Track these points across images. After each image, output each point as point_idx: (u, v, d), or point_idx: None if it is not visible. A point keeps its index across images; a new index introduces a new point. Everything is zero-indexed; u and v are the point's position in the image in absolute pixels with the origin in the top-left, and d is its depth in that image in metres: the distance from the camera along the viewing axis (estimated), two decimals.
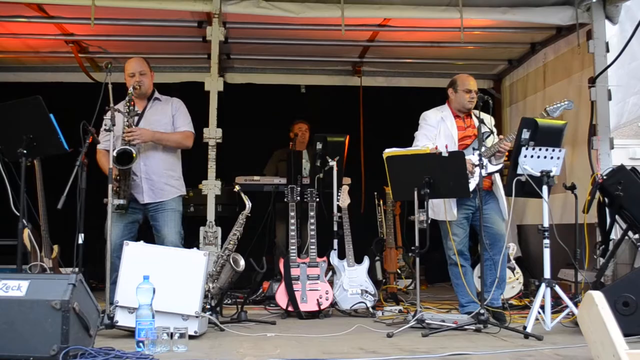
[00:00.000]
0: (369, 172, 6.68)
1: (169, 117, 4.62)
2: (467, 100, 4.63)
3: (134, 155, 4.27)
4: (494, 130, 4.67)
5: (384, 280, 5.67)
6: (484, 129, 4.44)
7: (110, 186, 4.09)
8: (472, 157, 4.44)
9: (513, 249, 5.31)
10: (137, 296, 3.39)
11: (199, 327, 3.75)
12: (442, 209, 4.50)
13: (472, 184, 4.39)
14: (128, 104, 4.37)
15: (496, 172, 4.62)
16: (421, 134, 4.68)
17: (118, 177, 4.29)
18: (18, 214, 3.90)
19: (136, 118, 4.46)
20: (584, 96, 5.51)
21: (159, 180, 4.54)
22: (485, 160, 4.30)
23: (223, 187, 5.21)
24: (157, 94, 4.69)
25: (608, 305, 3.04)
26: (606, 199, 4.59)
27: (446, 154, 4.21)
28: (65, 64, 6.66)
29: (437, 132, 4.64)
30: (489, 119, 4.61)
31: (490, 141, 4.56)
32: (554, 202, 4.89)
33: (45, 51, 6.48)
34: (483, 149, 4.33)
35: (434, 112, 4.74)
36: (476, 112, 4.49)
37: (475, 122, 4.59)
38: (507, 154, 4.60)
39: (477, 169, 4.24)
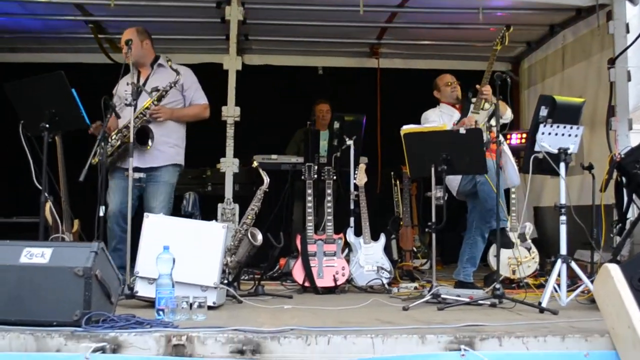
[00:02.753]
0: (385, 153, 6.69)
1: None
2: (450, 91, 5.07)
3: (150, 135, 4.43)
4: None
5: (399, 260, 5.69)
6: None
7: (130, 160, 4.16)
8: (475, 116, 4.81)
9: (530, 228, 5.30)
10: (157, 266, 3.45)
11: (218, 299, 3.80)
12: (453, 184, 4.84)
13: None
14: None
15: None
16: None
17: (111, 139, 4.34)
18: (40, 187, 3.97)
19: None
20: (603, 77, 5.49)
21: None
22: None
23: (240, 167, 5.27)
24: (160, 60, 4.74)
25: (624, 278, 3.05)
26: (623, 178, 4.57)
27: (463, 131, 4.23)
28: (85, 45, 6.74)
29: (440, 124, 4.86)
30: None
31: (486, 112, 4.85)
32: (571, 183, 4.88)
33: (65, 32, 6.55)
34: (482, 113, 4.76)
35: (432, 110, 5.07)
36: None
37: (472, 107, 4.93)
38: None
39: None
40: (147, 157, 4.57)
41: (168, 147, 4.68)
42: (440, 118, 5.00)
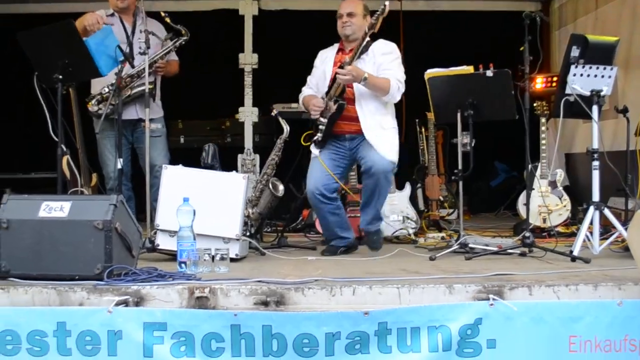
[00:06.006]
0: (410, 99, 6.46)
1: (162, 36, 4.51)
2: (340, 26, 4.13)
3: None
4: (387, 60, 4.07)
5: (425, 209, 5.60)
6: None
7: (147, 110, 4.07)
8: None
9: (561, 175, 5.13)
10: (177, 218, 3.39)
11: (240, 250, 3.76)
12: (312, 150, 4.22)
13: (319, 135, 4.09)
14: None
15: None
16: (307, 80, 4.37)
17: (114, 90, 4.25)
18: (57, 139, 3.90)
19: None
20: (639, 15, 5.21)
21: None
22: None
23: (260, 116, 5.17)
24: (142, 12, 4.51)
25: None
26: None
27: (491, 74, 4.06)
28: None
29: (317, 72, 4.27)
30: (382, 49, 4.10)
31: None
32: (604, 128, 4.69)
33: None
34: (334, 87, 4.00)
35: (327, 49, 4.30)
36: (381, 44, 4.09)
37: (365, 58, 4.01)
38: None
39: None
40: (142, 109, 4.43)
41: (158, 99, 4.65)
42: (321, 64, 4.25)
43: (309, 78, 4.34)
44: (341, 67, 3.92)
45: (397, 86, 4.01)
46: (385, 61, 4.04)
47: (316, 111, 4.09)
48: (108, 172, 4.56)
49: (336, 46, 4.25)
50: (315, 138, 4.13)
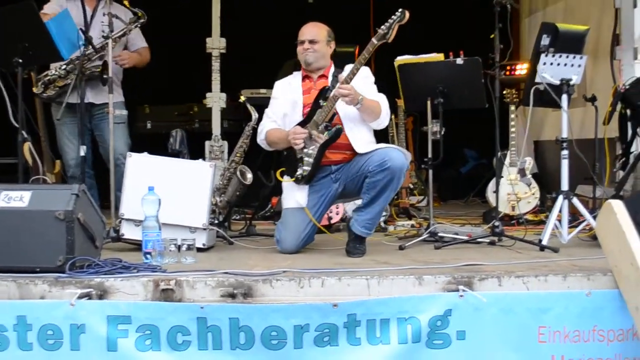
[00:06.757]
0: (379, 86, 6.45)
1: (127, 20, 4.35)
2: (300, 52, 3.71)
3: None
4: (367, 83, 3.70)
5: (395, 197, 5.58)
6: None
7: (110, 96, 3.96)
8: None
9: (529, 163, 5.17)
10: (142, 207, 3.31)
11: (207, 240, 3.69)
12: (292, 195, 3.73)
13: (306, 168, 3.60)
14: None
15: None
16: (266, 113, 3.86)
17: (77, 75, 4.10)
18: (17, 125, 3.78)
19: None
20: (608, 3, 5.24)
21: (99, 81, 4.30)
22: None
23: (229, 102, 5.08)
24: None
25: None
26: (628, 111, 4.42)
27: (461, 62, 4.04)
28: None
29: (282, 102, 3.78)
30: (361, 72, 3.62)
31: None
32: (572, 116, 4.65)
33: None
34: (319, 113, 3.54)
35: (285, 79, 3.88)
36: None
37: (331, 81, 3.62)
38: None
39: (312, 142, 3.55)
40: (101, 93, 4.29)
41: (116, 86, 4.45)
42: (283, 94, 3.79)
43: (267, 111, 3.82)
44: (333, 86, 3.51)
45: (387, 110, 3.66)
46: (366, 84, 3.66)
47: (300, 141, 3.57)
48: (67, 160, 4.43)
49: (297, 74, 3.82)
50: (298, 173, 3.61)
